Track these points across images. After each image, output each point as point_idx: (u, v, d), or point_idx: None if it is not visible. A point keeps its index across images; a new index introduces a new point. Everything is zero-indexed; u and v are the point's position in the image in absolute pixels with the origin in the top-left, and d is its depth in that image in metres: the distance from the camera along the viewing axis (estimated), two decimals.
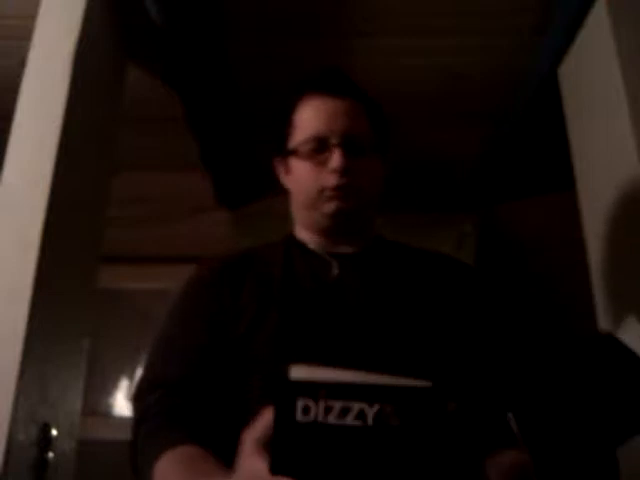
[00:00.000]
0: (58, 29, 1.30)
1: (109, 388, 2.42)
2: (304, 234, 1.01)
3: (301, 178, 0.97)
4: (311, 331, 0.88)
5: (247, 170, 2.26)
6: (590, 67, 1.44)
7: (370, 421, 0.48)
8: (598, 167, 1.42)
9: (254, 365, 0.86)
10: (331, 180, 0.93)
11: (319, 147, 0.94)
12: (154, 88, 1.78)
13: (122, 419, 2.32)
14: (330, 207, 0.94)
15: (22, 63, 1.27)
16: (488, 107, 1.91)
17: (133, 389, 0.92)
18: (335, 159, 0.92)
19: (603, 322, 1.37)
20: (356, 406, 0.49)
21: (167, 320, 0.97)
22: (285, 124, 1.00)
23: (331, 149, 0.93)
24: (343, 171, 0.92)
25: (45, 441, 1.14)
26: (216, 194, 2.33)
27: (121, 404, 2.40)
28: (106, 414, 2.37)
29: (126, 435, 0.90)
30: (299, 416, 0.49)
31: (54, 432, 1.17)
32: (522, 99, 1.77)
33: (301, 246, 1.00)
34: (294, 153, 0.97)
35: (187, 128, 1.91)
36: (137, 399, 0.90)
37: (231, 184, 2.31)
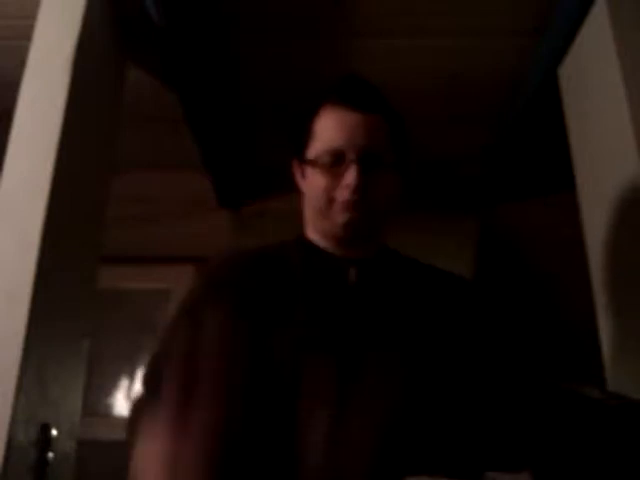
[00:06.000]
0: (58, 29, 1.30)
1: (109, 388, 2.42)
2: (316, 237, 1.02)
3: (314, 188, 0.98)
4: (334, 336, 0.89)
5: (247, 170, 2.26)
6: (590, 67, 1.44)
7: None
8: (598, 167, 1.42)
9: (277, 369, 0.86)
10: (343, 195, 0.94)
11: (336, 160, 0.95)
12: (154, 88, 1.78)
13: (122, 419, 2.32)
14: (341, 218, 0.95)
15: (22, 63, 1.27)
16: (488, 107, 1.91)
17: (144, 368, 0.92)
18: (349, 175, 0.93)
19: (603, 322, 1.37)
20: None
21: (177, 322, 0.95)
22: (304, 130, 1.01)
23: (347, 164, 0.94)
24: (356, 188, 0.92)
25: (45, 441, 1.14)
26: (216, 194, 2.33)
27: (121, 404, 2.40)
28: (106, 414, 2.37)
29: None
30: None
31: (54, 432, 1.17)
32: (522, 99, 1.77)
33: (316, 249, 1.01)
34: (311, 163, 0.98)
35: (187, 128, 1.91)
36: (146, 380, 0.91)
37: (231, 184, 2.31)
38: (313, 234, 1.03)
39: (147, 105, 1.86)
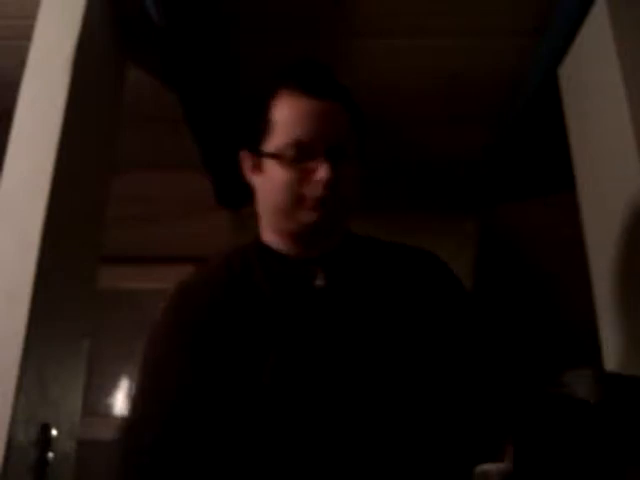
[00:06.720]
0: (58, 29, 1.30)
1: (109, 388, 2.42)
2: (273, 238, 0.97)
3: (278, 183, 0.90)
4: (308, 357, 0.85)
5: None
6: (590, 67, 1.44)
7: None
8: (598, 167, 1.42)
9: (258, 393, 0.83)
10: (315, 191, 0.88)
11: (302, 154, 0.89)
12: (154, 88, 1.78)
13: (122, 419, 2.32)
14: (309, 217, 0.90)
15: (22, 63, 1.27)
16: (488, 107, 1.91)
17: (120, 426, 0.86)
18: (323, 171, 0.87)
19: (603, 322, 1.37)
20: None
21: (150, 354, 0.90)
22: (260, 119, 0.94)
23: (316, 158, 0.88)
24: (328, 183, 0.87)
25: (45, 441, 1.14)
26: (216, 194, 2.33)
27: (121, 404, 2.40)
28: (106, 414, 2.37)
29: None
30: None
31: (54, 432, 1.17)
32: (522, 99, 1.77)
33: (274, 254, 0.96)
34: (274, 156, 0.91)
35: (187, 128, 1.91)
36: (124, 439, 0.86)
37: (231, 184, 2.30)
38: (270, 235, 0.97)
39: (147, 105, 1.85)
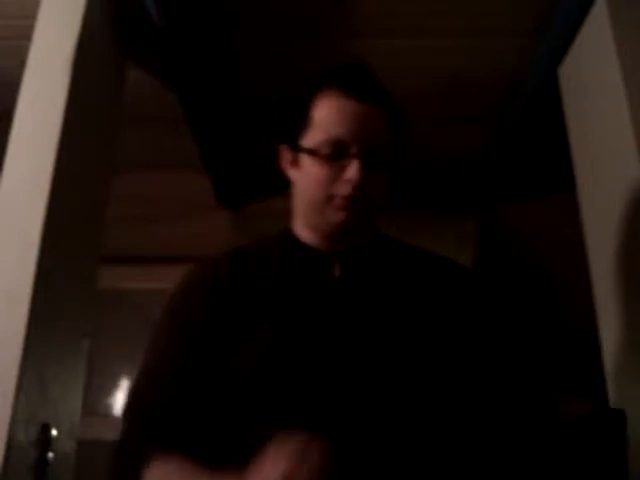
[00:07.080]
0: (58, 29, 1.30)
1: (109, 388, 2.42)
2: (304, 232, 0.99)
3: (312, 179, 0.93)
4: (309, 340, 0.86)
5: (247, 170, 2.26)
6: (590, 67, 1.44)
7: None
8: (598, 167, 1.42)
9: (248, 381, 0.84)
10: (344, 190, 0.90)
11: (338, 153, 0.90)
12: (154, 88, 1.78)
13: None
14: (337, 217, 0.92)
15: (22, 63, 1.27)
16: (488, 107, 1.91)
17: (123, 406, 0.91)
18: (352, 170, 0.89)
19: (603, 322, 1.37)
20: None
21: (155, 335, 0.95)
22: (301, 114, 0.96)
23: (350, 158, 0.90)
24: (357, 184, 0.89)
25: (45, 441, 1.14)
26: (216, 194, 2.33)
27: (121, 404, 2.40)
28: (106, 414, 2.37)
29: None
30: None
31: (54, 432, 1.17)
32: (522, 99, 1.77)
33: (300, 245, 0.98)
34: (310, 152, 0.93)
35: (187, 128, 1.91)
36: (123, 418, 0.90)
37: (231, 184, 2.31)
38: (301, 229, 0.99)
39: (147, 105, 1.86)
